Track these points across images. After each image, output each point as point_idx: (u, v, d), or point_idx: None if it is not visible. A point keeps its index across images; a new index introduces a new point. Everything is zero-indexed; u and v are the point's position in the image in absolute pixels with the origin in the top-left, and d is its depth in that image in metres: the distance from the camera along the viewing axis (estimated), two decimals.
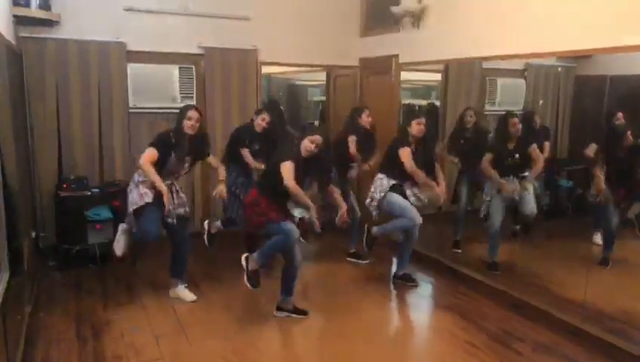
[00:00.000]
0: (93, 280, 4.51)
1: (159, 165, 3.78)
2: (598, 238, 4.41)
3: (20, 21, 4.58)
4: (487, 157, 4.40)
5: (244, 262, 3.76)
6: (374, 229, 4.49)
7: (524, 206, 4.44)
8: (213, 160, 4.20)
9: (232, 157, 4.75)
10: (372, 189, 4.42)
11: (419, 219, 4.25)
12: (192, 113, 3.86)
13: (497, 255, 4.56)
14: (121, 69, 5.08)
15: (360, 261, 5.06)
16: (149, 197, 3.77)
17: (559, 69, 4.84)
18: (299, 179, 3.59)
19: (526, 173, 4.42)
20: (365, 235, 4.59)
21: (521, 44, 4.04)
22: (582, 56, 4.22)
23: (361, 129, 4.88)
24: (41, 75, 4.81)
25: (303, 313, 3.89)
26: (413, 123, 4.23)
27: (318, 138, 3.62)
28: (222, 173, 4.14)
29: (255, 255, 3.75)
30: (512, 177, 4.39)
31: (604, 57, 3.96)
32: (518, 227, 5.02)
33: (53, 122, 4.90)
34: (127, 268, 4.63)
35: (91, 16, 4.94)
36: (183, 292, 4.14)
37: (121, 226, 3.98)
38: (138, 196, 3.79)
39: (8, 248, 3.21)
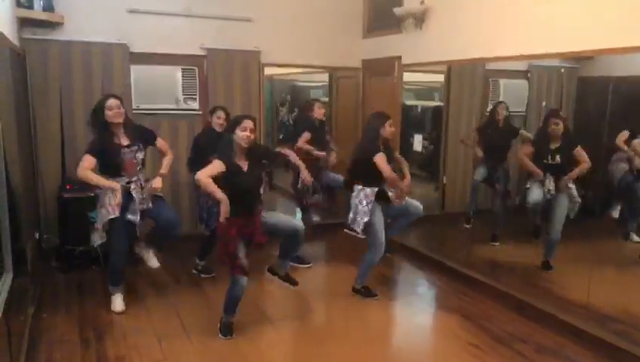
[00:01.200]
0: (96, 281, 4.51)
1: (107, 164, 3.75)
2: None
3: (23, 23, 4.60)
4: (526, 149, 4.32)
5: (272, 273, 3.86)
6: (357, 282, 4.33)
7: (555, 209, 4.36)
8: (162, 143, 4.06)
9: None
10: (355, 203, 4.09)
11: (380, 252, 4.12)
12: (111, 102, 3.72)
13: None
14: (124, 70, 5.09)
15: None
16: (113, 212, 3.68)
17: (562, 70, 4.82)
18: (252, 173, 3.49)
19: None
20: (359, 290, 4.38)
21: (524, 45, 4.04)
22: (585, 58, 4.21)
23: (314, 122, 4.98)
24: (45, 76, 4.82)
25: (293, 282, 3.86)
26: (386, 124, 4.00)
27: (248, 123, 3.41)
28: (166, 163, 4.00)
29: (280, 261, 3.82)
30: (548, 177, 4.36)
31: (607, 58, 3.94)
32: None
33: (56, 124, 4.91)
34: (130, 270, 4.62)
35: (94, 17, 4.96)
36: (148, 255, 4.05)
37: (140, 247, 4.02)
38: (105, 211, 3.72)
39: (12, 249, 3.23)
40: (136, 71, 5.17)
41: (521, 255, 4.91)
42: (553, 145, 4.36)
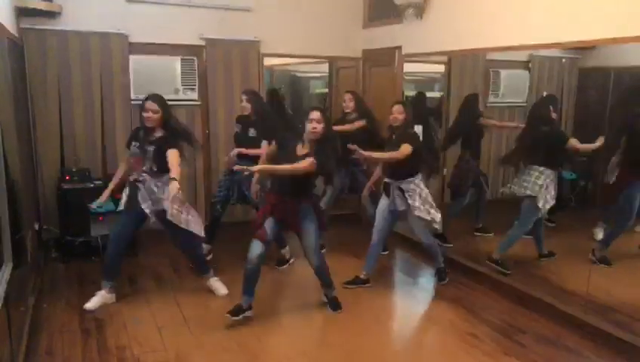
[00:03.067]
0: (96, 272, 4.49)
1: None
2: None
3: (21, 12, 4.57)
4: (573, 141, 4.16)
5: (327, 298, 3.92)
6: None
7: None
8: (171, 155, 3.60)
9: None
10: (421, 199, 4.09)
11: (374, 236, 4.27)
12: (149, 104, 3.71)
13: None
14: (123, 60, 5.07)
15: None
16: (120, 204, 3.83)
17: (563, 61, 4.80)
18: None
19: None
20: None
21: (524, 35, 4.02)
22: (586, 48, 4.19)
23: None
24: (43, 66, 4.80)
25: (335, 307, 3.89)
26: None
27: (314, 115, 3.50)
28: (174, 170, 3.54)
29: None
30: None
31: (608, 49, 3.92)
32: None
33: (55, 114, 4.89)
34: (130, 260, 4.63)
35: (93, 7, 4.92)
36: (215, 285, 4.14)
37: None
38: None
39: (12, 240, 3.23)
40: (136, 61, 5.14)
41: (520, 246, 4.92)
42: None
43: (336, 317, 3.83)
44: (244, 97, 4.55)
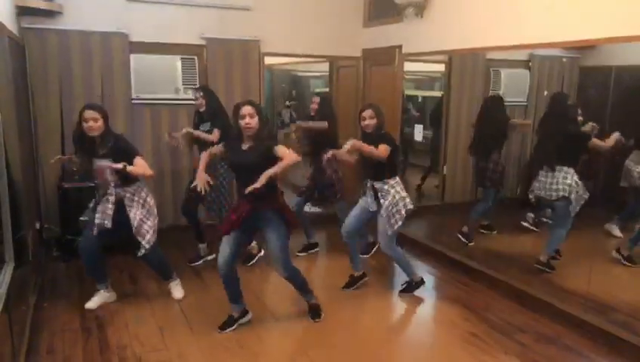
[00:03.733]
0: None
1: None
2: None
3: (22, 11, 4.57)
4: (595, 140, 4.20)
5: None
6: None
7: None
8: (139, 165, 3.55)
9: None
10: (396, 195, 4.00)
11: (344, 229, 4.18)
12: (88, 113, 3.53)
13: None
14: (123, 59, 5.07)
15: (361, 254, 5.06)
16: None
17: (564, 60, 4.81)
18: None
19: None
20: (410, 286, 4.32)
21: (525, 34, 4.02)
22: (586, 47, 4.19)
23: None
24: (44, 66, 4.80)
25: (315, 315, 3.77)
26: (361, 116, 3.97)
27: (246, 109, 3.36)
28: (137, 169, 3.55)
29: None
30: None
31: (608, 48, 3.93)
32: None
33: (56, 113, 4.90)
34: (131, 260, 4.63)
35: (94, 6, 4.92)
36: (173, 289, 4.09)
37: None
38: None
39: (13, 239, 3.23)
40: (136, 60, 5.15)
41: (520, 245, 4.93)
42: None
43: (337, 317, 3.83)
44: (199, 94, 4.61)
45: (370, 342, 3.52)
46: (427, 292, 4.41)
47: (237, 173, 3.53)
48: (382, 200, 3.96)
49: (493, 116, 4.89)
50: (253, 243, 4.81)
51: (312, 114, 4.98)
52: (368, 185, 4.04)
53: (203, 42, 5.39)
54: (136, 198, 3.71)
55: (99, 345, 3.35)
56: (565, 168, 4.18)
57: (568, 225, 4.28)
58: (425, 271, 4.75)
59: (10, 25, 3.98)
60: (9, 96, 3.62)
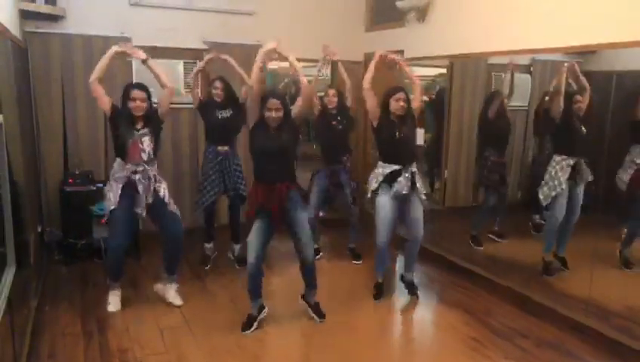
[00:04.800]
0: (99, 274, 4.53)
1: (118, 143, 3.77)
2: None
3: (25, 16, 4.59)
4: None
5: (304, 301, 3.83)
6: (407, 276, 4.29)
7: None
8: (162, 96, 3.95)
9: None
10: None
11: (380, 238, 4.04)
12: (136, 93, 3.74)
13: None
14: (126, 63, 5.08)
15: (355, 261, 5.08)
16: (112, 201, 3.70)
17: (565, 64, 4.81)
18: None
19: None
20: (405, 285, 4.32)
21: (526, 39, 4.03)
22: (588, 52, 4.19)
23: None
24: (47, 69, 4.82)
25: (320, 314, 3.80)
26: (392, 100, 3.97)
27: (273, 103, 3.51)
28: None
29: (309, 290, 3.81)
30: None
31: (610, 52, 3.92)
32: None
33: (58, 117, 4.92)
34: (132, 263, 4.65)
35: (96, 11, 4.95)
36: (170, 293, 4.00)
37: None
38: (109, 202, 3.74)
39: (14, 242, 3.24)
40: (138, 64, 5.14)
41: (522, 249, 4.91)
42: None
43: (337, 320, 3.82)
44: (219, 84, 4.66)
45: (371, 346, 3.52)
46: (429, 297, 4.41)
47: (265, 157, 3.49)
48: (418, 184, 3.97)
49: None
50: (212, 245, 4.89)
51: (331, 107, 4.93)
52: (405, 170, 3.92)
53: (205, 46, 5.41)
54: (158, 175, 3.87)
55: (100, 349, 3.35)
56: None
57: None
58: (426, 275, 4.75)
59: (14, 29, 4.00)
60: (11, 100, 3.63)
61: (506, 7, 4.21)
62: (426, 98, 5.22)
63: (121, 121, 3.74)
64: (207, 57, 4.73)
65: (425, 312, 4.19)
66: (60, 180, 4.88)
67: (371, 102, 4.05)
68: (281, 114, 3.44)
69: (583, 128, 4.18)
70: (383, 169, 3.99)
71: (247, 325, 3.61)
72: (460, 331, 3.70)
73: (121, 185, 3.71)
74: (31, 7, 4.48)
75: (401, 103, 3.92)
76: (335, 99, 4.93)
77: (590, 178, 4.17)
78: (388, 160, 3.99)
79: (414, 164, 3.99)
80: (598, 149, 4.17)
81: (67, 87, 4.92)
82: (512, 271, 4.45)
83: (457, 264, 4.79)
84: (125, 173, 3.72)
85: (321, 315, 3.80)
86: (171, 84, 3.93)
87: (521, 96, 5.09)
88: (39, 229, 4.67)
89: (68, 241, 4.76)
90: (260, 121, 3.50)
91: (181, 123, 5.37)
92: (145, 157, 3.76)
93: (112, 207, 3.70)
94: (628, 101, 4.10)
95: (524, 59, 4.81)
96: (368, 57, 6.04)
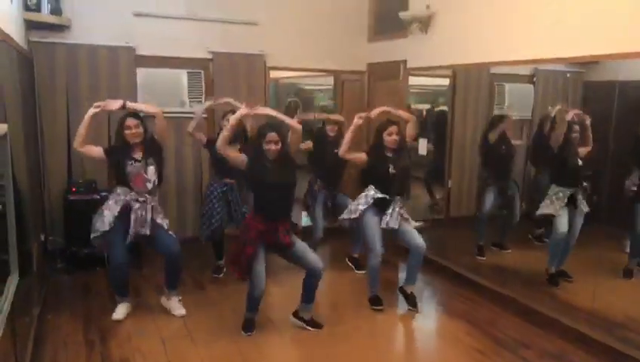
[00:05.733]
0: (101, 282, 4.53)
1: (119, 173, 3.79)
2: None
3: (31, 26, 4.63)
4: None
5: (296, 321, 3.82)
6: (407, 288, 4.27)
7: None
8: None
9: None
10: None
11: (375, 250, 4.08)
12: (130, 121, 3.75)
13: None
14: (130, 73, 5.13)
15: (357, 270, 5.05)
16: (105, 218, 3.73)
17: (568, 75, 4.81)
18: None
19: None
20: (404, 297, 4.30)
21: (529, 49, 4.04)
22: (590, 62, 4.20)
23: None
24: (52, 79, 4.86)
25: (318, 326, 3.81)
26: (385, 135, 4.03)
27: (272, 136, 3.51)
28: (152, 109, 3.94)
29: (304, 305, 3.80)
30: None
31: (612, 63, 3.93)
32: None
33: (63, 126, 4.94)
34: (134, 272, 4.64)
35: (101, 21, 4.99)
36: (174, 305, 4.01)
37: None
38: (101, 222, 3.76)
39: (18, 251, 3.24)
40: (143, 73, 5.19)
41: (526, 260, 4.89)
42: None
43: (338, 330, 3.81)
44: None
45: (373, 356, 3.50)
46: (431, 307, 4.39)
47: (268, 192, 3.54)
48: (406, 216, 4.12)
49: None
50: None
51: (332, 134, 4.94)
52: (395, 203, 4.04)
53: (209, 56, 5.45)
54: (158, 206, 3.94)
55: (102, 358, 3.35)
56: None
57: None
58: (429, 286, 4.73)
59: (19, 39, 4.04)
60: (16, 109, 3.65)
61: (509, 17, 4.23)
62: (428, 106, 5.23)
63: (119, 156, 3.77)
64: (206, 104, 4.76)
65: (428, 323, 4.17)
66: (63, 189, 4.89)
67: (356, 157, 4.16)
68: (279, 146, 3.48)
69: (579, 161, 4.26)
70: (375, 192, 4.06)
71: (247, 328, 3.68)
72: (463, 342, 3.68)
73: (118, 208, 3.73)
74: (36, 17, 4.52)
75: (394, 137, 4.02)
76: (336, 128, 4.96)
77: (586, 210, 4.26)
78: (381, 191, 4.07)
79: (402, 198, 4.11)
80: (600, 159, 4.18)
81: (72, 96, 4.94)
82: (516, 282, 4.43)
83: (461, 274, 4.77)
84: (128, 197, 3.75)
85: (319, 326, 3.80)
86: (156, 109, 3.91)
87: (524, 106, 5.10)
88: (42, 238, 4.67)
89: (71, 250, 4.76)
90: (258, 154, 3.53)
91: (184, 132, 5.37)
92: (149, 186, 3.79)
93: (105, 229, 3.71)
94: (630, 111, 4.10)
95: (527, 69, 4.83)
96: (371, 68, 6.09)
